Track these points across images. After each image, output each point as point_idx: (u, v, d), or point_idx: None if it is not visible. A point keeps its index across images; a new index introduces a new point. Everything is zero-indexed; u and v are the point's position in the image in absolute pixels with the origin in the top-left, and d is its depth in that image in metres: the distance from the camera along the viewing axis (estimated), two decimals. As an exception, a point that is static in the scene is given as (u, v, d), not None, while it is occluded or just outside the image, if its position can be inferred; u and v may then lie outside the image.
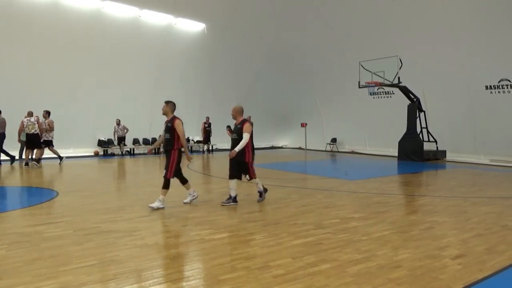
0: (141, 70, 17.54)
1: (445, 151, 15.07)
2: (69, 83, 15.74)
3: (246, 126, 6.51)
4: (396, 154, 15.20)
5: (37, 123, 12.27)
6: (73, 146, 16.25)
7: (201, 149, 19.74)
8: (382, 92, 17.38)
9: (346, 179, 9.92)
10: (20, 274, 3.49)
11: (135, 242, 4.49)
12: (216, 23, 18.68)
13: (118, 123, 16.76)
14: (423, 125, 14.90)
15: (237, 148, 6.34)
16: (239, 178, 6.70)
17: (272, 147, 22.88)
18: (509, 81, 13.11)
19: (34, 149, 12.38)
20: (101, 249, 4.22)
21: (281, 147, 23.25)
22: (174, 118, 6.38)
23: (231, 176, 6.60)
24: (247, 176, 6.68)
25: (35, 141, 12.23)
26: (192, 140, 19.84)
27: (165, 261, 3.88)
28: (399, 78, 13.88)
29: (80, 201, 6.92)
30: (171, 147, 6.30)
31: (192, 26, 18.52)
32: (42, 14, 14.61)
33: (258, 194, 6.92)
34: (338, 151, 19.56)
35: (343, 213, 6.00)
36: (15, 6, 14.08)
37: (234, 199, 6.62)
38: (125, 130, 16.95)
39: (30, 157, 12.34)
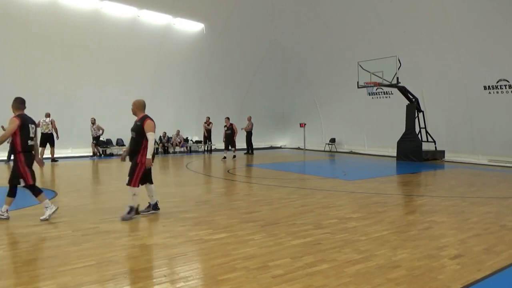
0: (140, 70, 17.52)
1: (443, 151, 15.10)
2: (67, 83, 15.71)
3: (148, 124, 5.58)
4: (395, 154, 15.22)
5: (51, 124, 13.55)
6: (71, 146, 16.21)
7: (200, 149, 19.74)
8: (381, 92, 17.40)
9: (345, 179, 9.93)
10: (18, 275, 3.48)
11: (133, 242, 4.49)
12: (214, 23, 18.67)
13: (93, 123, 15.67)
14: (422, 125, 14.93)
15: (149, 154, 5.53)
16: (147, 182, 5.85)
17: (271, 147, 22.88)
18: (508, 81, 13.13)
19: (46, 146, 13.56)
20: (99, 250, 4.21)
21: (280, 147, 23.25)
22: (14, 116, 5.47)
23: (141, 182, 5.72)
24: (127, 180, 5.59)
25: (48, 139, 13.55)
26: (191, 140, 19.83)
27: (164, 262, 3.87)
28: (397, 78, 13.91)
29: (78, 201, 6.90)
30: (14, 151, 5.47)
31: (191, 26, 18.51)
32: (40, 14, 14.57)
33: (128, 208, 5.60)
34: (337, 151, 19.58)
35: (342, 213, 6.00)
36: (12, 6, 14.04)
37: (155, 206, 5.88)
38: (100, 131, 15.85)
39: (43, 155, 13.39)
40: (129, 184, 5.56)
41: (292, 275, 3.50)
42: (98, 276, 3.48)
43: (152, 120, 5.69)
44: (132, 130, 5.73)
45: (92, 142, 15.95)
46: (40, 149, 13.28)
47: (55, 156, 13.90)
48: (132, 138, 5.75)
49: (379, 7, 15.71)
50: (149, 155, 5.54)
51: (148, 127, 5.57)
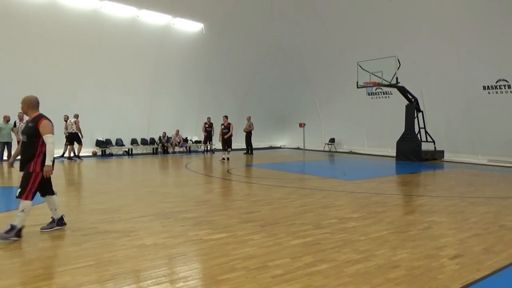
0: (140, 70, 17.52)
1: (443, 151, 15.11)
2: (67, 83, 15.70)
3: (44, 125, 4.70)
4: (394, 154, 15.23)
5: (75, 124, 14.66)
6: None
7: (200, 149, 19.76)
8: (380, 92, 17.41)
9: (344, 179, 9.93)
10: (17, 275, 3.48)
11: (133, 242, 4.48)
12: (214, 23, 18.68)
13: (66, 120, 14.67)
14: (421, 125, 14.94)
15: (49, 160, 4.66)
16: (48, 193, 4.99)
17: (271, 147, 22.89)
18: (507, 81, 13.15)
19: (73, 145, 14.80)
20: (98, 250, 4.21)
21: (280, 147, 23.26)
22: None
23: (41, 194, 4.93)
24: (18, 192, 4.63)
25: (73, 138, 14.68)
26: (191, 140, 19.83)
27: (163, 262, 3.87)
28: (397, 78, 13.92)
29: (77, 201, 6.90)
30: None
31: (190, 26, 18.51)
32: (40, 14, 14.55)
33: (9, 226, 4.50)
34: (336, 151, 19.59)
35: (341, 213, 6.00)
36: (12, 6, 14.02)
37: (60, 221, 5.01)
38: (72, 130, 14.73)
39: (70, 153, 14.79)
40: (19, 196, 4.58)
41: (292, 275, 3.50)
42: (98, 276, 3.48)
43: (49, 120, 4.83)
44: (23, 133, 4.84)
45: (66, 143, 14.81)
46: (68, 147, 14.58)
47: (79, 154, 15.10)
48: (23, 142, 4.81)
49: (379, 7, 15.72)
50: (48, 161, 4.66)
51: (45, 129, 4.68)
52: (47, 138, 4.68)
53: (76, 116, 14.83)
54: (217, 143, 19.63)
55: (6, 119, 13.38)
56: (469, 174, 11.19)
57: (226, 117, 15.51)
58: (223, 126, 15.38)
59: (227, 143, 15.15)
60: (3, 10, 13.87)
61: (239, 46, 19.61)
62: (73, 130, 14.58)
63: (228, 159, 14.69)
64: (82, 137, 15.01)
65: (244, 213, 6.04)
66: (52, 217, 5.05)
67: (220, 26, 18.76)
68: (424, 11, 14.50)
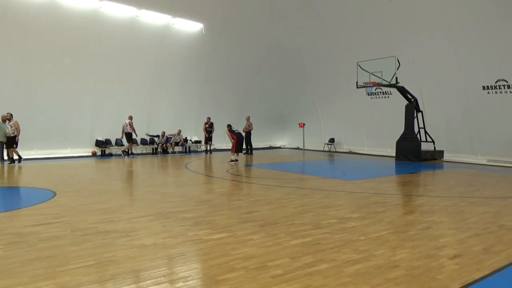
0: (139, 70, 17.52)
1: (442, 151, 15.12)
2: (67, 83, 15.71)
3: None
4: (394, 154, 15.23)
5: (129, 125, 16.17)
6: (70, 146, 16.22)
7: (199, 149, 19.76)
8: (380, 92, 17.42)
9: (344, 179, 9.94)
10: (17, 275, 3.48)
11: (132, 242, 4.49)
12: (214, 23, 18.68)
13: (9, 119, 13.07)
14: (421, 125, 14.94)
15: None
16: None
17: (270, 147, 22.89)
18: (506, 81, 13.15)
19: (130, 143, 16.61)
20: (98, 250, 4.21)
21: (279, 147, 23.26)
22: None
23: None
24: None
25: (129, 137, 16.42)
26: (190, 140, 19.82)
27: (163, 262, 3.87)
28: (396, 78, 13.92)
29: (77, 201, 6.89)
30: None
31: (190, 26, 18.50)
32: (39, 14, 14.55)
33: None
34: (336, 151, 19.59)
35: (341, 213, 6.01)
36: (12, 6, 14.01)
37: None
38: (16, 131, 13.12)
39: (127, 150, 16.74)
40: None
41: (291, 275, 3.50)
42: (97, 276, 3.48)
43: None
44: None
45: (12, 146, 13.12)
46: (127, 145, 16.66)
47: (125, 150, 16.73)
48: None
49: (379, 7, 15.73)
50: None
51: None
52: None
53: (130, 118, 16.19)
54: (216, 144, 19.67)
55: (3, 119, 13.11)
56: (469, 174, 11.20)
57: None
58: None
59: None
60: (3, 10, 13.86)
61: (239, 46, 19.61)
62: (128, 130, 16.13)
63: (236, 160, 14.02)
64: (137, 136, 16.81)
65: (243, 213, 6.04)
66: None
67: (220, 26, 18.76)
68: (424, 11, 14.50)
